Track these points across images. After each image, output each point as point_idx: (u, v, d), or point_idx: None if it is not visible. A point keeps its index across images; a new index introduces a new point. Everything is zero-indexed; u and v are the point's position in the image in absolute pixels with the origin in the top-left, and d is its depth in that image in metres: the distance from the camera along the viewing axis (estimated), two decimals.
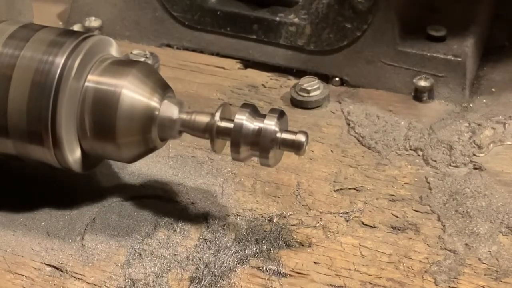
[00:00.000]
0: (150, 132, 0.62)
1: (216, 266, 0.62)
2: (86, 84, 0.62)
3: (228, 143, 0.61)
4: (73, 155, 0.63)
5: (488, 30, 0.88)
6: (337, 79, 0.83)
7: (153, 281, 0.61)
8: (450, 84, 0.80)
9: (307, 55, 0.84)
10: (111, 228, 0.66)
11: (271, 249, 0.63)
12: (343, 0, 0.80)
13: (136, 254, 0.63)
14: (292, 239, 0.64)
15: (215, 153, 0.63)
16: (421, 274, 0.61)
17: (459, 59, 0.79)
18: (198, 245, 0.64)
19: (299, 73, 0.84)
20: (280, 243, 0.64)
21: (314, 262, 0.62)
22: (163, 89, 0.63)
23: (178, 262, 0.62)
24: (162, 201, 0.68)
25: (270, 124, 0.60)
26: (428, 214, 0.67)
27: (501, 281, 0.60)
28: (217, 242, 0.64)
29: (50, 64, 0.61)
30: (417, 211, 0.67)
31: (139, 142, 0.63)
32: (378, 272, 0.61)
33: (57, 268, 0.63)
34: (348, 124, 0.77)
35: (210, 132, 0.62)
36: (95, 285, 0.61)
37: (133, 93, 0.62)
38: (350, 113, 0.78)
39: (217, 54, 0.88)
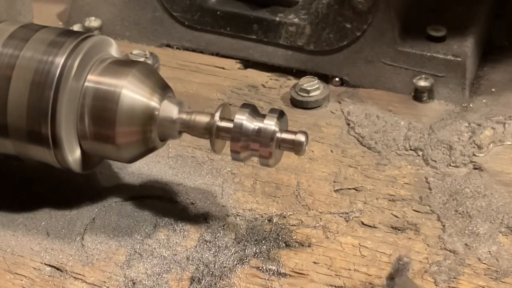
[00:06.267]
0: (150, 132, 0.62)
1: (216, 266, 0.62)
2: (86, 84, 0.62)
3: (228, 143, 0.61)
4: (73, 155, 0.63)
5: (488, 30, 0.88)
6: (337, 79, 0.83)
7: (153, 282, 0.61)
8: (450, 84, 0.80)
9: (307, 55, 0.84)
10: (111, 228, 0.66)
11: (271, 249, 0.63)
12: (343, 0, 0.80)
13: (136, 254, 0.63)
14: (292, 239, 0.64)
15: (215, 153, 0.63)
16: (421, 274, 0.61)
17: (459, 59, 0.79)
18: (198, 245, 0.64)
19: (299, 73, 0.84)
20: (280, 243, 0.64)
21: (314, 262, 0.62)
22: (163, 89, 0.63)
23: (178, 263, 0.62)
24: (162, 201, 0.68)
25: (270, 124, 0.60)
26: (428, 214, 0.67)
27: (501, 281, 0.60)
28: (217, 242, 0.64)
29: (50, 64, 0.61)
30: (417, 211, 0.67)
31: (139, 142, 0.63)
32: (378, 272, 0.61)
33: (57, 268, 0.63)
34: (348, 124, 0.77)
35: (210, 132, 0.62)
36: (95, 285, 0.61)
37: (133, 93, 0.62)
38: (350, 113, 0.78)
39: (217, 54, 0.88)
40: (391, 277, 0.54)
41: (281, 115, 0.61)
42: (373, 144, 0.74)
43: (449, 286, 0.60)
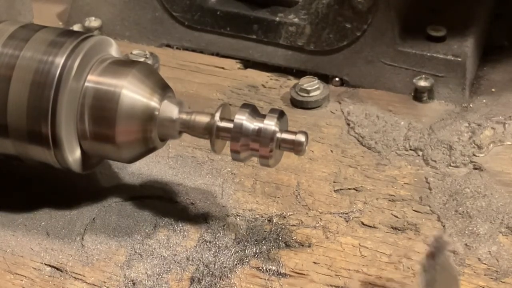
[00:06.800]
0: (150, 132, 0.62)
1: (216, 266, 0.62)
2: (86, 84, 0.62)
3: (228, 143, 0.61)
4: (73, 155, 0.63)
5: (488, 30, 0.88)
6: (337, 79, 0.83)
7: (153, 282, 0.61)
8: (450, 84, 0.80)
9: (307, 55, 0.84)
10: (111, 228, 0.66)
11: (271, 249, 0.63)
12: (343, 0, 0.80)
13: (136, 255, 0.63)
14: (292, 239, 0.64)
15: (215, 153, 0.63)
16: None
17: (459, 59, 0.79)
18: (198, 245, 0.64)
19: (299, 73, 0.84)
20: (280, 243, 0.64)
21: (314, 262, 0.62)
22: (163, 89, 0.64)
23: (178, 263, 0.62)
24: (162, 201, 0.68)
25: (270, 124, 0.60)
26: (428, 214, 0.67)
27: (501, 281, 0.60)
28: (217, 243, 0.64)
29: (50, 64, 0.61)
30: (417, 211, 0.67)
31: (139, 142, 0.63)
32: (378, 272, 0.61)
33: (57, 269, 0.63)
34: (348, 124, 0.77)
35: (210, 132, 0.62)
36: (95, 285, 0.61)
37: (133, 93, 0.62)
38: (350, 113, 0.78)
39: (217, 54, 0.88)
40: (431, 256, 0.50)
41: (281, 115, 0.61)
42: (373, 144, 0.74)
43: None
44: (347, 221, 0.66)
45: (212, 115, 0.62)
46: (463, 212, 0.66)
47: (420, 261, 0.52)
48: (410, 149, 0.74)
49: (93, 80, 0.62)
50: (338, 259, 0.63)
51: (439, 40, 0.81)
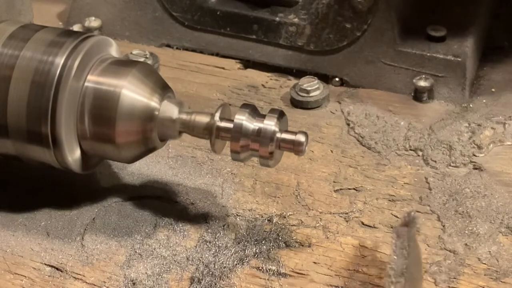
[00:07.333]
0: (150, 132, 0.62)
1: (216, 266, 0.62)
2: (86, 84, 0.62)
3: (228, 143, 0.61)
4: (73, 155, 0.63)
5: (487, 30, 0.88)
6: (337, 79, 0.83)
7: (153, 282, 0.61)
8: (450, 84, 0.80)
9: (307, 55, 0.84)
10: (111, 228, 0.66)
11: (271, 249, 0.63)
12: (343, 0, 0.80)
13: (136, 255, 0.63)
14: (292, 239, 0.64)
15: (214, 153, 0.63)
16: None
17: (459, 59, 0.79)
18: (198, 245, 0.64)
19: (299, 73, 0.84)
20: (280, 243, 0.64)
21: (314, 262, 0.62)
22: (163, 89, 0.64)
23: (178, 263, 0.62)
24: (162, 201, 0.68)
25: (270, 124, 0.60)
26: (428, 214, 0.67)
27: (501, 281, 0.60)
28: (217, 243, 0.64)
29: (50, 64, 0.61)
30: (417, 211, 0.67)
31: (139, 143, 0.63)
32: (378, 272, 0.61)
33: (57, 268, 0.63)
34: (348, 124, 0.77)
35: (210, 133, 0.62)
36: (94, 285, 0.61)
37: (133, 93, 0.62)
38: (350, 113, 0.78)
39: (217, 54, 0.88)
40: (405, 225, 0.52)
41: (281, 115, 0.61)
42: (373, 144, 0.74)
43: (449, 286, 0.60)
44: (347, 221, 0.66)
45: (212, 115, 0.62)
46: (463, 212, 0.66)
47: (394, 228, 0.54)
48: (410, 149, 0.74)
49: (93, 80, 0.62)
50: (338, 259, 0.63)
51: (439, 40, 0.81)
